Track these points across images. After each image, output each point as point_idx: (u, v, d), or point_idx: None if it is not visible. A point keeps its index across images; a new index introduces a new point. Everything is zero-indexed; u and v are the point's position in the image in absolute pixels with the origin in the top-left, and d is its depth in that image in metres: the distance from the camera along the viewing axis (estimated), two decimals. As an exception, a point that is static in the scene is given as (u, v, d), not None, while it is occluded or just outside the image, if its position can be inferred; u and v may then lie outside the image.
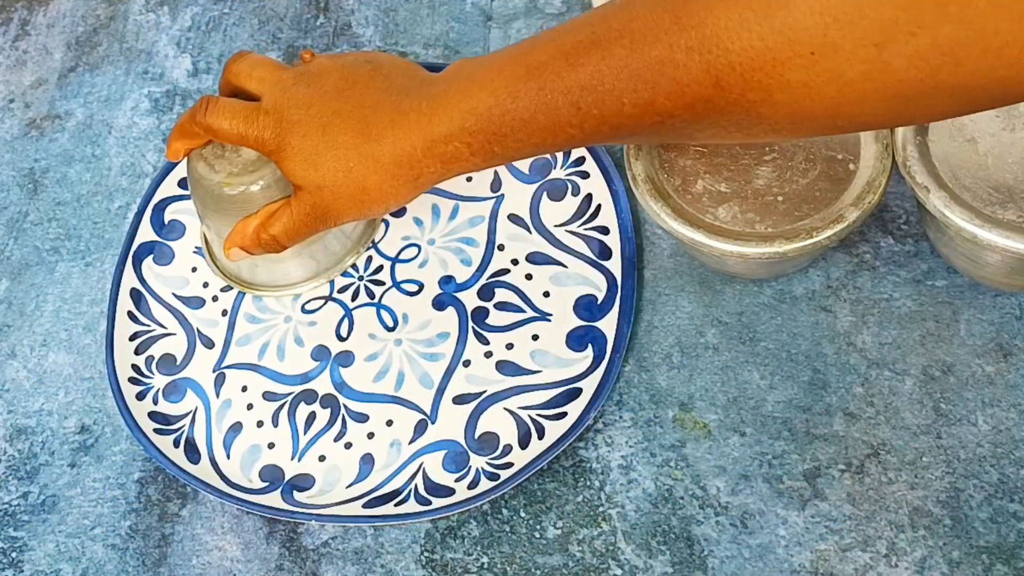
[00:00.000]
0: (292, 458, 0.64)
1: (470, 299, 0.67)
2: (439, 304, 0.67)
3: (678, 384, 0.62)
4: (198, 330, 0.69)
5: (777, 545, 0.57)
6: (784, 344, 0.62)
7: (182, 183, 0.75)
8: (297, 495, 0.62)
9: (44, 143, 0.81)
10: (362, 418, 0.64)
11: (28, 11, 0.90)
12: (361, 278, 0.69)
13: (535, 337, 0.65)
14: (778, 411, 0.61)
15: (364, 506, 0.61)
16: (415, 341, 0.66)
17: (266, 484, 0.63)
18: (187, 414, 0.66)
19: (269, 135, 0.56)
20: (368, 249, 0.69)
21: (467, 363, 0.65)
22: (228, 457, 0.64)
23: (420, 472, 0.62)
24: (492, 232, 0.69)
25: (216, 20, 0.86)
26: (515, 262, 0.68)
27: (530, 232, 0.69)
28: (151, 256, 0.72)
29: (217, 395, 0.66)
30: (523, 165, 0.71)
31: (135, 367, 0.68)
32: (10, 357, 0.71)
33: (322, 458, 0.63)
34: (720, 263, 0.63)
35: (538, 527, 0.60)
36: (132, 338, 0.69)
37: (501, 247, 0.68)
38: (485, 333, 0.66)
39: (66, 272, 0.74)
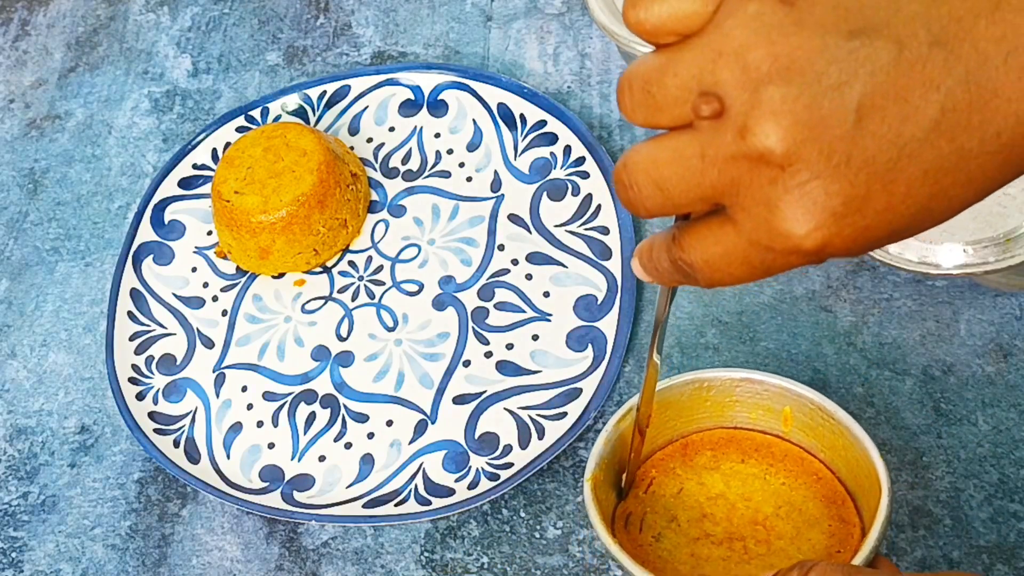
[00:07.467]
0: (292, 458, 0.64)
1: (470, 299, 0.67)
2: (439, 304, 0.67)
3: (678, 384, 0.62)
4: (198, 330, 0.69)
5: (777, 545, 0.57)
6: (784, 344, 0.62)
7: (182, 183, 0.75)
8: (297, 495, 0.62)
9: (44, 143, 0.81)
10: (362, 418, 0.64)
11: (28, 11, 0.90)
12: (361, 278, 0.69)
13: (535, 337, 0.65)
14: (778, 411, 0.60)
15: (364, 506, 0.61)
16: (415, 341, 0.66)
17: (266, 484, 0.63)
18: (187, 414, 0.66)
19: None
20: None
21: (467, 363, 0.65)
22: (228, 457, 0.64)
23: (420, 472, 0.62)
24: (492, 232, 0.69)
25: (216, 20, 0.86)
26: (515, 262, 0.68)
27: (530, 232, 0.69)
28: (151, 256, 0.72)
29: (217, 395, 0.66)
30: (523, 165, 0.71)
31: (135, 367, 0.68)
32: (10, 357, 0.71)
33: (322, 458, 0.63)
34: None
35: (538, 527, 0.60)
36: (132, 338, 0.69)
37: (501, 247, 0.68)
38: (485, 333, 0.66)
39: (66, 272, 0.74)
